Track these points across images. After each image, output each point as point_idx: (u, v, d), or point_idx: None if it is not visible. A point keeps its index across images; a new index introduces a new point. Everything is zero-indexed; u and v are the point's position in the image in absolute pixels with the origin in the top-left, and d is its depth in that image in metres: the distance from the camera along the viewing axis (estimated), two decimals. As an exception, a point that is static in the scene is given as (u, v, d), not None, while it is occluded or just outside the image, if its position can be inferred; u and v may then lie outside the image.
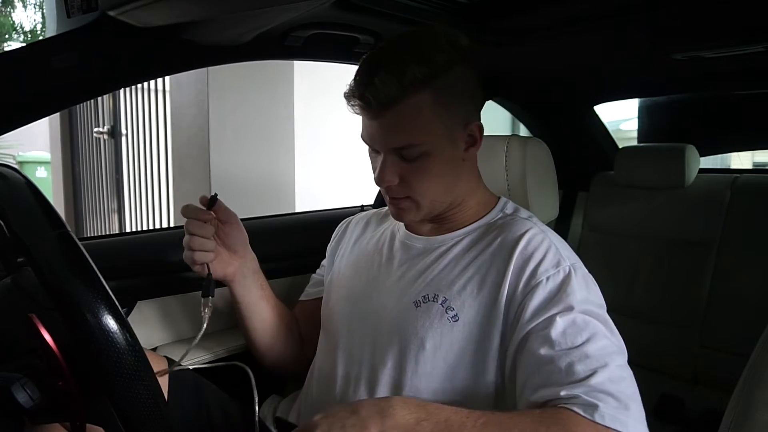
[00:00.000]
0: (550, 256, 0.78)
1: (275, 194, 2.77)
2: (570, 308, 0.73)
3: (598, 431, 0.64)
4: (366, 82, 0.77)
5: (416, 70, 0.75)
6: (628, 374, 0.72)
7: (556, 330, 0.71)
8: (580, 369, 0.67)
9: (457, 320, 0.80)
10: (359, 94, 0.78)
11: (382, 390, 0.83)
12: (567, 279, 0.76)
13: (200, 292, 0.92)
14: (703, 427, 1.42)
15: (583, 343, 0.70)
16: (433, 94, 0.78)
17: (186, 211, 0.91)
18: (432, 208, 0.86)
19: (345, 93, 0.82)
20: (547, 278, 0.76)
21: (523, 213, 0.91)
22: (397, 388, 0.82)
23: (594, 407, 0.64)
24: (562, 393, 0.66)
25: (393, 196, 0.85)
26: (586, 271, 0.82)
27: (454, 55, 0.79)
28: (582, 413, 0.64)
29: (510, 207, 0.93)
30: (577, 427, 0.63)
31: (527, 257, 0.79)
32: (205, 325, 0.87)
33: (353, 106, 0.81)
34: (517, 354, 0.75)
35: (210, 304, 0.90)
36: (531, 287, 0.76)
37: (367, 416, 0.62)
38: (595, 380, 0.66)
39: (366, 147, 0.86)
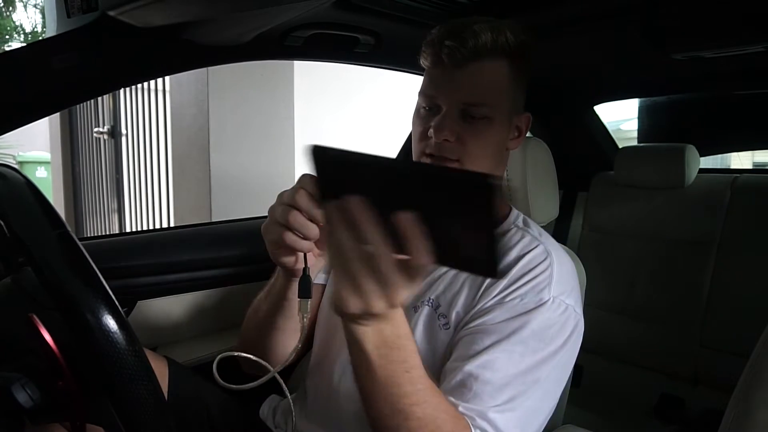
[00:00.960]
0: (537, 281, 0.77)
1: (275, 194, 2.76)
2: (519, 337, 0.73)
3: None
4: (463, 27, 0.78)
5: (510, 36, 0.80)
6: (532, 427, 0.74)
7: (493, 354, 0.72)
8: (489, 399, 0.69)
9: (448, 328, 0.80)
10: (453, 37, 0.78)
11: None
12: (537, 309, 0.75)
13: (200, 292, 0.87)
14: (703, 427, 1.42)
15: (506, 379, 0.71)
16: (511, 66, 0.82)
17: (303, 180, 0.67)
18: None
19: (429, 39, 0.82)
20: (522, 299, 0.76)
21: (534, 229, 0.89)
22: None
23: None
24: (461, 409, 0.68)
25: (443, 155, 0.81)
26: (570, 305, 0.79)
27: (531, 44, 0.83)
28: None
29: (521, 220, 0.91)
30: None
31: (521, 275, 0.78)
32: (301, 336, 0.71)
33: (436, 52, 0.80)
34: (457, 344, 0.76)
35: (308, 311, 0.72)
36: (505, 301, 0.76)
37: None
38: (494, 415, 0.69)
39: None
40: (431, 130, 0.80)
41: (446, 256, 0.50)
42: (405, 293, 0.52)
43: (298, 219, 0.67)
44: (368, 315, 0.54)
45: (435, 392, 0.65)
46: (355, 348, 0.60)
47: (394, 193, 0.48)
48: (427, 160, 0.82)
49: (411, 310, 0.84)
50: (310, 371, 0.97)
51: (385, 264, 0.50)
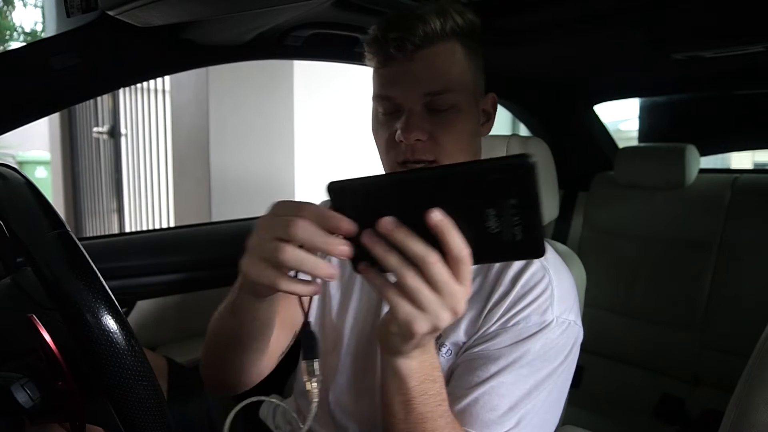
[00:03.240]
0: (539, 302, 0.75)
1: (275, 194, 2.78)
2: (524, 360, 0.72)
3: None
4: (407, 16, 0.74)
5: (457, 18, 0.75)
6: None
7: (499, 380, 0.71)
8: (498, 426, 0.69)
9: (449, 354, 0.78)
10: (399, 27, 0.72)
11: (368, 394, 0.83)
12: (541, 331, 0.73)
13: (200, 292, 0.86)
14: (703, 427, 1.42)
15: (513, 402, 0.70)
16: (464, 46, 0.77)
17: (310, 211, 0.51)
18: None
19: (370, 37, 0.76)
20: (526, 323, 0.74)
21: None
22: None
23: None
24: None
25: (418, 157, 0.75)
26: (572, 320, 0.77)
27: (477, 22, 0.79)
28: None
29: None
30: None
31: (522, 296, 0.75)
32: (314, 406, 0.58)
33: (383, 48, 0.74)
34: (460, 368, 0.74)
35: (318, 372, 0.59)
36: (508, 325, 0.74)
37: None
38: None
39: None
40: (398, 134, 0.74)
41: (484, 252, 0.48)
42: (463, 299, 0.50)
43: (307, 262, 0.51)
44: (425, 336, 0.52)
45: (456, 423, 0.66)
46: (397, 385, 0.59)
47: (420, 204, 0.47)
48: (402, 168, 0.75)
49: None
50: (301, 392, 0.92)
51: (439, 270, 0.48)
